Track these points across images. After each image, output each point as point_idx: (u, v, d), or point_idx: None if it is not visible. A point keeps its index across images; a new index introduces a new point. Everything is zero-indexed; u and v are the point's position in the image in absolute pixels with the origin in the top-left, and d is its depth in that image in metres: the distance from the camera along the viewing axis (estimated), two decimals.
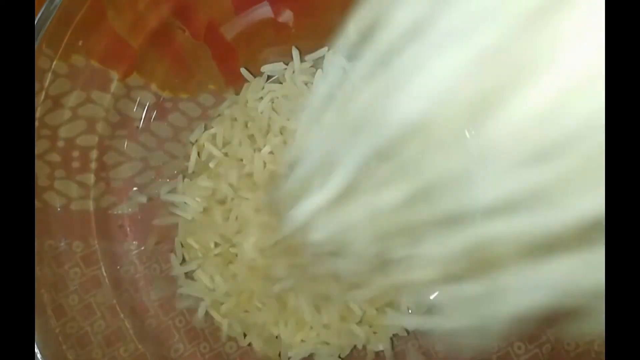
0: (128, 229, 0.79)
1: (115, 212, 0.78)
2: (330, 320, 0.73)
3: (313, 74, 0.79)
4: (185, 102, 0.81)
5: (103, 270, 0.77)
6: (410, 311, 0.75)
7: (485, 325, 0.43)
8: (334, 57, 0.76)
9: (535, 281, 0.38)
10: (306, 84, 0.79)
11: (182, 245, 0.78)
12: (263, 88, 0.80)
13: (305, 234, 0.52)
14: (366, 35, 0.41)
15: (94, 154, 0.77)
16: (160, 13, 0.76)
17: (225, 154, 0.78)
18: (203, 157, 0.79)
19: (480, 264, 0.40)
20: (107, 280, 0.77)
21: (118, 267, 0.78)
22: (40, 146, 0.72)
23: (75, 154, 0.77)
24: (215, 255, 0.75)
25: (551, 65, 0.29)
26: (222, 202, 0.76)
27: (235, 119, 0.78)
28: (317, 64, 0.80)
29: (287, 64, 0.81)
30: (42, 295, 0.71)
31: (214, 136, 0.79)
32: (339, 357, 0.75)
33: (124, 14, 0.74)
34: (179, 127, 0.81)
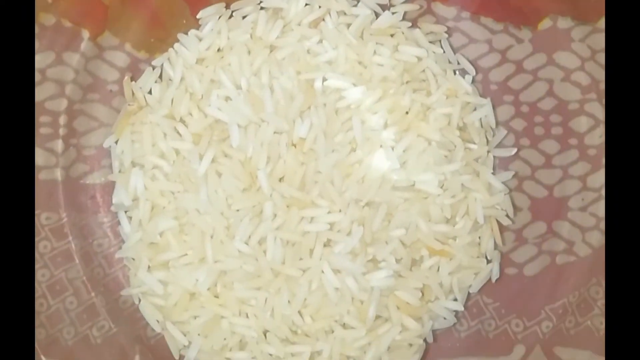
0: (101, 200, 0.73)
1: (87, 182, 0.73)
2: None
3: None
4: None
5: (73, 244, 0.71)
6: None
7: None
8: None
9: None
10: None
11: None
12: None
13: None
14: None
15: (62, 119, 0.72)
16: None
17: None
18: None
19: None
20: (78, 254, 0.71)
21: (90, 241, 0.73)
22: None
23: (44, 119, 0.71)
24: None
25: None
26: None
27: None
28: None
29: None
30: None
31: None
32: None
33: None
34: None
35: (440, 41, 0.75)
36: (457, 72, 0.74)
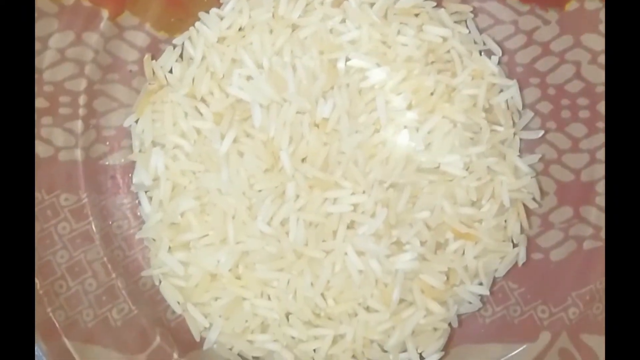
0: (121, 180, 0.72)
1: (107, 163, 0.72)
2: None
3: None
4: None
5: (93, 225, 0.71)
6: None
7: None
8: None
9: None
10: None
11: None
12: None
13: None
14: None
15: (82, 100, 0.71)
16: None
17: None
18: None
19: None
20: (97, 236, 0.71)
21: (110, 222, 0.72)
22: None
23: (63, 99, 0.71)
24: None
25: None
26: None
27: None
28: None
29: None
30: None
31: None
32: None
33: None
34: None
35: (465, 21, 0.73)
36: (482, 53, 0.73)
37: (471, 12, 0.73)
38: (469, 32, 0.73)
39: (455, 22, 0.72)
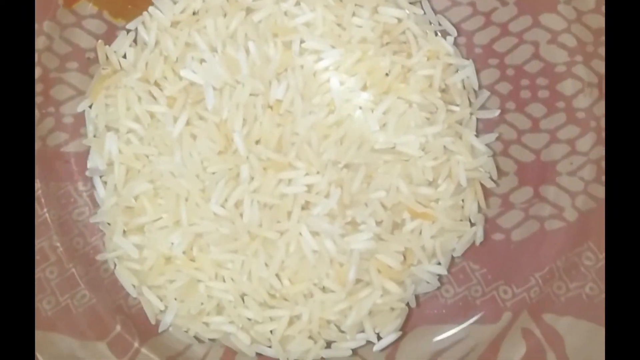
0: (77, 167, 0.72)
1: (67, 150, 0.72)
2: None
3: None
4: None
5: (50, 214, 0.71)
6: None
7: None
8: None
9: None
10: None
11: None
12: None
13: None
14: None
15: (38, 87, 0.71)
16: None
17: None
18: None
19: None
20: (55, 224, 0.71)
21: (70, 210, 0.72)
22: None
23: None
24: None
25: None
26: None
27: None
28: None
29: None
30: None
31: None
32: None
33: None
34: None
35: (420, 2, 0.73)
36: (438, 34, 0.73)
37: None
38: (424, 13, 0.73)
39: (410, 3, 0.72)
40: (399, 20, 0.71)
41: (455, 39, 0.73)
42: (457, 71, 0.72)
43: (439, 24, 0.73)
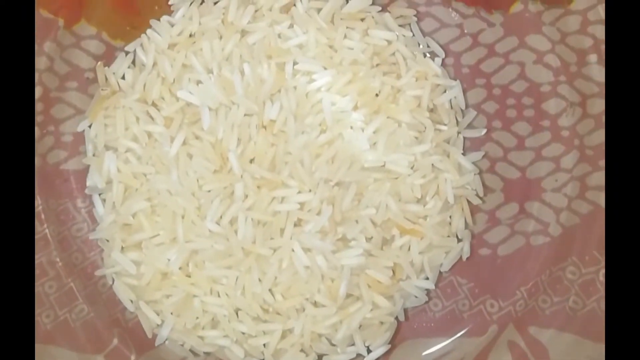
0: (77, 185, 0.74)
1: (66, 168, 0.74)
2: None
3: None
4: None
5: (50, 230, 0.73)
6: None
7: None
8: None
9: None
10: None
11: None
12: None
13: None
14: None
15: (39, 107, 0.73)
16: None
17: None
18: None
19: None
20: (55, 240, 0.73)
21: (69, 226, 0.74)
22: None
23: None
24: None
25: None
26: None
27: None
28: None
29: None
30: None
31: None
32: None
33: None
34: None
35: (410, 25, 0.76)
36: (427, 55, 0.75)
37: (415, 15, 0.75)
38: (413, 35, 0.75)
39: (399, 25, 0.75)
40: (389, 42, 0.73)
41: (443, 59, 0.75)
42: (444, 91, 0.74)
43: (428, 46, 0.76)
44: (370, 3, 0.74)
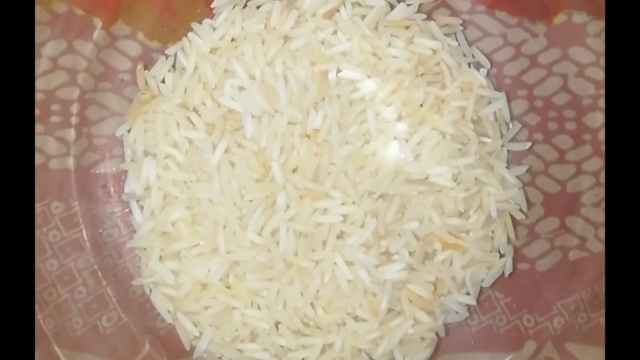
0: (112, 189, 0.73)
1: (98, 171, 0.73)
2: None
3: None
4: None
5: (84, 233, 0.71)
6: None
7: None
8: None
9: None
10: None
11: None
12: None
13: None
14: None
15: (74, 108, 0.71)
16: None
17: None
18: None
19: None
20: (88, 244, 0.71)
21: (100, 231, 0.72)
22: None
23: (55, 107, 0.71)
24: None
25: None
26: None
27: None
28: None
29: None
30: None
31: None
32: None
33: None
34: None
35: (455, 34, 0.74)
36: (471, 65, 0.74)
37: (460, 24, 0.74)
38: (459, 44, 0.74)
39: (445, 34, 0.73)
40: (434, 51, 0.71)
41: (488, 70, 0.74)
42: (489, 103, 0.73)
43: (473, 56, 0.74)
44: (416, 11, 0.72)
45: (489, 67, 0.74)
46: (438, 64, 0.72)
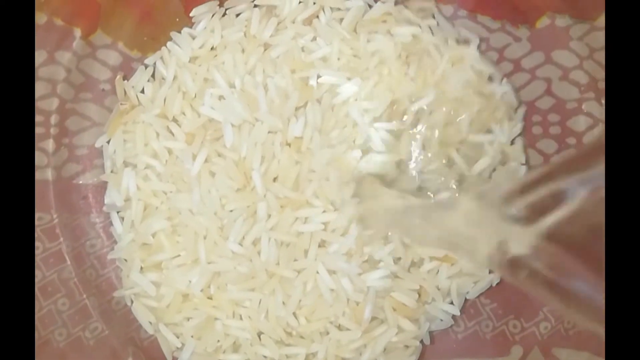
0: (93, 200, 0.72)
1: (79, 182, 0.72)
2: None
3: None
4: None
5: (65, 245, 0.71)
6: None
7: None
8: None
9: None
10: None
11: None
12: None
13: None
14: None
15: (54, 119, 0.71)
16: None
17: None
18: None
19: None
20: (69, 255, 0.71)
21: (83, 242, 0.72)
22: None
23: (35, 118, 0.70)
24: None
25: None
26: None
27: None
28: None
29: None
30: None
31: None
32: None
33: None
34: None
35: (433, 15, 0.72)
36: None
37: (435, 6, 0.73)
38: (438, 23, 0.72)
39: (422, 18, 0.71)
40: (414, 36, 0.70)
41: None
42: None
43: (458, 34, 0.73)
44: (393, 4, 0.71)
45: (478, 42, 0.73)
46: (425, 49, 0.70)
